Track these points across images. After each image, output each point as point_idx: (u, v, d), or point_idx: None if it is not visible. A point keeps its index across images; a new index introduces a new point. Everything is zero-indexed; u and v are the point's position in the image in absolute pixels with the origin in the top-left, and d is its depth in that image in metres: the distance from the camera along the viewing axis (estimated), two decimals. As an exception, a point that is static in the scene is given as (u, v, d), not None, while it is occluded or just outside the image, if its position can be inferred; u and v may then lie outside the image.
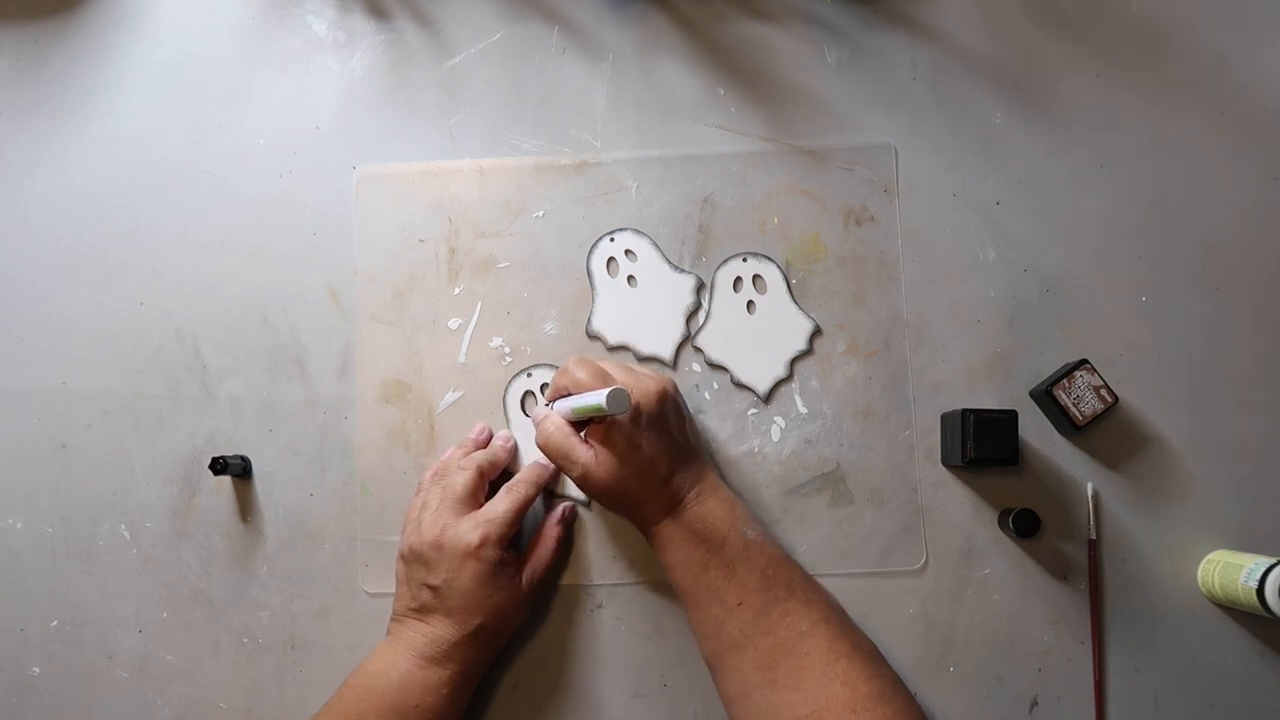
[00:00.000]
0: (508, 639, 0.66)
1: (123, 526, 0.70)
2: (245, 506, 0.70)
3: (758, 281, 0.71)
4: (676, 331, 0.71)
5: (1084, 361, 0.67)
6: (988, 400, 0.69)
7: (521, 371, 0.71)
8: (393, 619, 0.65)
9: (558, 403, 0.65)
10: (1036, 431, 0.69)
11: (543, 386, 0.71)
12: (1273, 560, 0.61)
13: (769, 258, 0.71)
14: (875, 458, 0.69)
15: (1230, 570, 0.64)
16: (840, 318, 0.71)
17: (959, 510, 0.69)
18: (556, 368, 0.71)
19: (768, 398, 0.70)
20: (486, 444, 0.69)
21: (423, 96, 0.74)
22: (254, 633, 0.69)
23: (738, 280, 0.71)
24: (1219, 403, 0.69)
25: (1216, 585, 0.65)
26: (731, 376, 0.70)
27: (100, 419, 0.71)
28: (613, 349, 0.71)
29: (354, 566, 0.70)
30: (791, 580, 0.63)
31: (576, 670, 0.68)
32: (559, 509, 0.68)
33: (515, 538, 0.66)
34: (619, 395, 0.58)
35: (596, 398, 0.58)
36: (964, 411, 0.65)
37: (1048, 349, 0.70)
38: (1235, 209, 0.70)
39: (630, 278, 0.71)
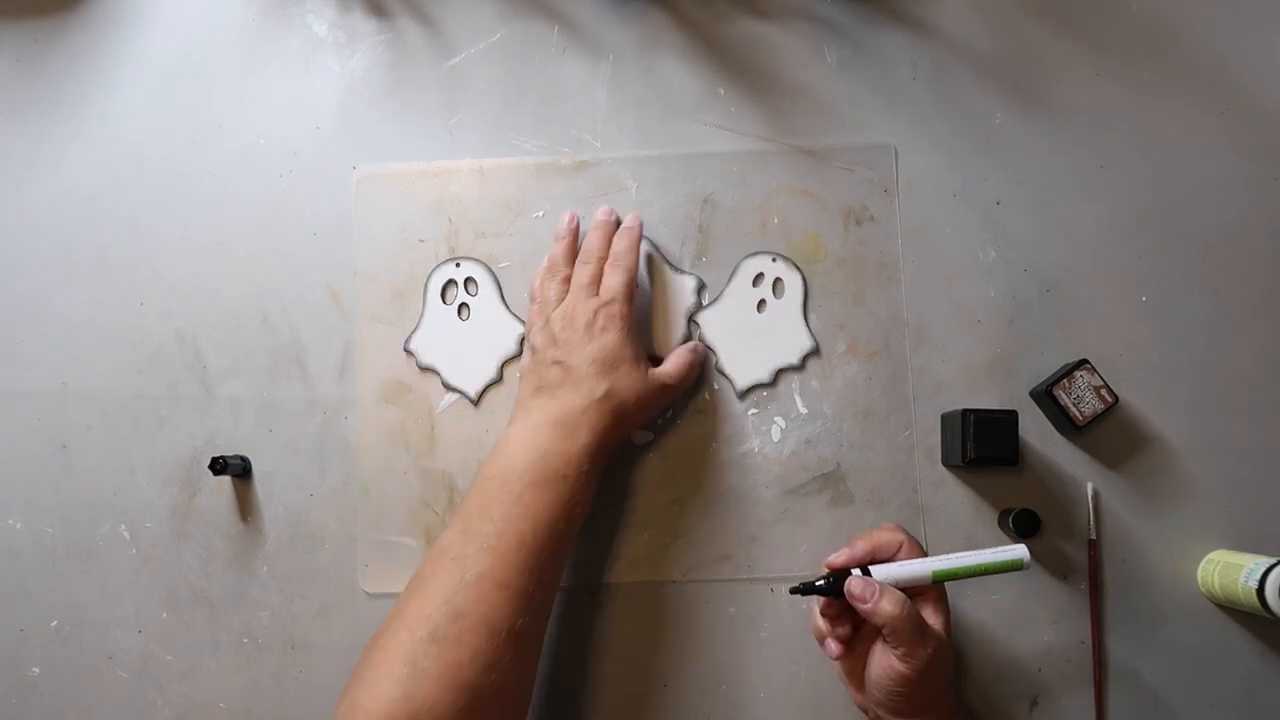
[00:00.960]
0: (637, 421, 0.67)
1: (123, 527, 0.70)
2: (245, 506, 0.70)
3: (777, 285, 0.71)
4: (679, 331, 0.71)
5: (1084, 361, 0.67)
6: (988, 400, 0.69)
7: (449, 260, 0.72)
8: (519, 405, 0.66)
9: (883, 569, 0.59)
10: (1036, 431, 0.69)
11: (468, 281, 0.71)
12: (1273, 560, 0.61)
13: (797, 267, 0.71)
14: (875, 458, 0.69)
15: (1230, 570, 0.64)
16: (840, 318, 0.71)
17: (959, 510, 0.69)
18: (479, 261, 0.72)
19: (743, 395, 0.70)
20: (578, 231, 0.70)
21: (423, 96, 0.74)
22: (254, 633, 0.69)
23: (759, 276, 0.71)
24: (1219, 403, 0.69)
25: (1216, 585, 0.65)
26: (715, 361, 0.70)
27: (100, 419, 0.71)
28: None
29: (354, 566, 0.70)
30: None
31: (576, 670, 0.68)
32: (694, 341, 0.70)
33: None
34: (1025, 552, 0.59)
35: (1016, 555, 0.59)
36: (964, 411, 0.65)
37: (1048, 349, 0.70)
38: (1235, 209, 0.70)
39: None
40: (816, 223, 0.71)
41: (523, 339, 0.71)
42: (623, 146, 0.73)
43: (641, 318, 0.70)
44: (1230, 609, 0.67)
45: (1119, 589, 0.67)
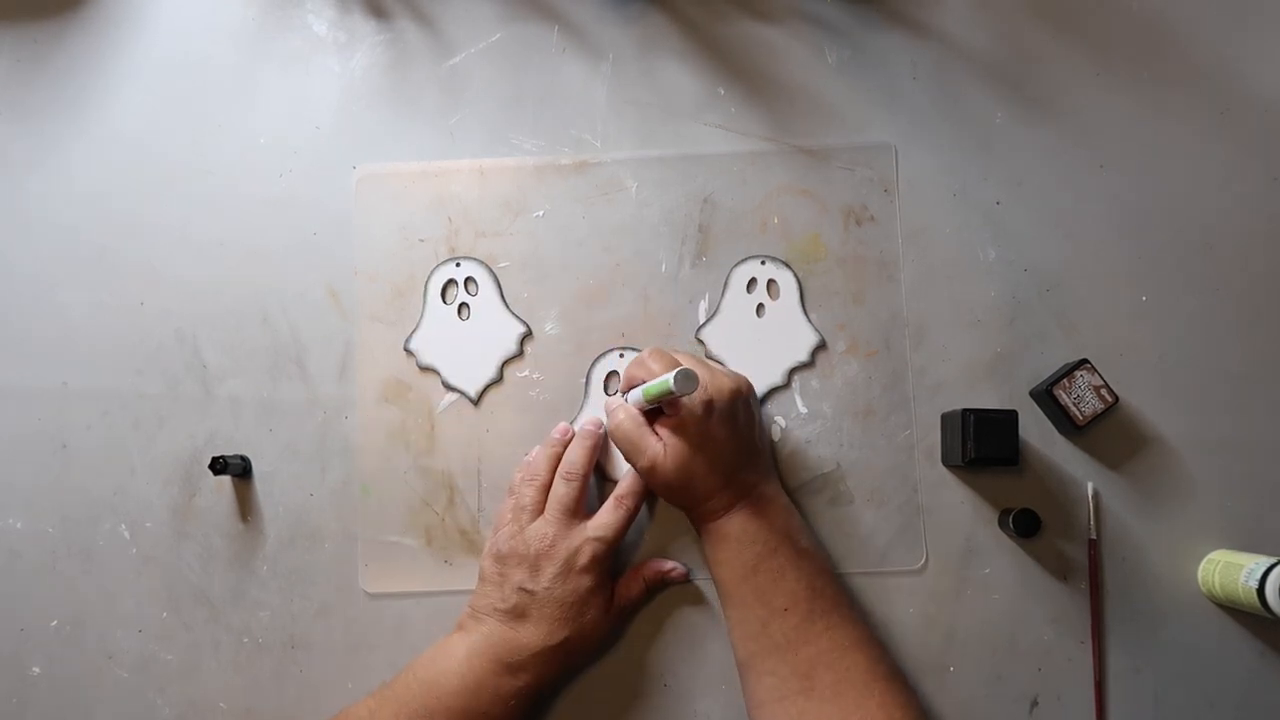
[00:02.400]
0: (586, 662, 0.67)
1: (123, 526, 0.70)
2: (245, 506, 0.70)
3: (771, 286, 0.71)
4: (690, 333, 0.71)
5: (1084, 361, 0.67)
6: (988, 400, 0.69)
7: (449, 260, 0.71)
8: (471, 614, 0.65)
9: (631, 393, 0.65)
10: (1037, 431, 0.69)
11: (468, 280, 0.71)
12: (1273, 560, 0.61)
13: (787, 265, 0.71)
14: (875, 458, 0.69)
15: (1230, 570, 0.64)
16: (840, 318, 0.71)
17: (959, 510, 0.69)
18: (479, 261, 0.71)
19: (761, 402, 0.70)
20: (568, 444, 0.68)
21: (423, 96, 0.74)
22: (254, 633, 0.69)
23: (752, 281, 0.71)
24: (1219, 403, 0.69)
25: (1216, 585, 0.65)
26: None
27: (100, 419, 0.71)
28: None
29: (354, 566, 0.70)
30: (838, 596, 0.63)
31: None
32: (669, 567, 0.67)
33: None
34: (686, 375, 0.58)
35: (665, 378, 0.59)
36: (964, 411, 0.65)
37: (1048, 349, 0.70)
38: (1235, 209, 0.70)
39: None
40: (816, 222, 0.71)
41: (523, 339, 0.71)
42: (623, 146, 0.73)
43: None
44: (1230, 609, 0.67)
45: (1119, 589, 0.67)
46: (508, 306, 0.71)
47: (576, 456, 0.67)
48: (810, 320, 0.70)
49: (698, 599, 0.68)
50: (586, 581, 0.63)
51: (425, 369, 0.71)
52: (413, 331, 0.71)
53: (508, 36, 0.74)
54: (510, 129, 0.73)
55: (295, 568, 0.70)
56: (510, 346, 0.71)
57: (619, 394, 0.67)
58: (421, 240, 0.72)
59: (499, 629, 0.63)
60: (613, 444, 0.68)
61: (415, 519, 0.70)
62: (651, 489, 0.65)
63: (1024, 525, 0.65)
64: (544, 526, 0.64)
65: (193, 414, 0.71)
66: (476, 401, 0.71)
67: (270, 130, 0.73)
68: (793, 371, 0.70)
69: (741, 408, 0.64)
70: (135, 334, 0.72)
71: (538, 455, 0.68)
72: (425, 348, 0.71)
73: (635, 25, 0.74)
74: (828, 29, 0.73)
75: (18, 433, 0.72)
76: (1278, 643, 0.67)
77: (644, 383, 0.63)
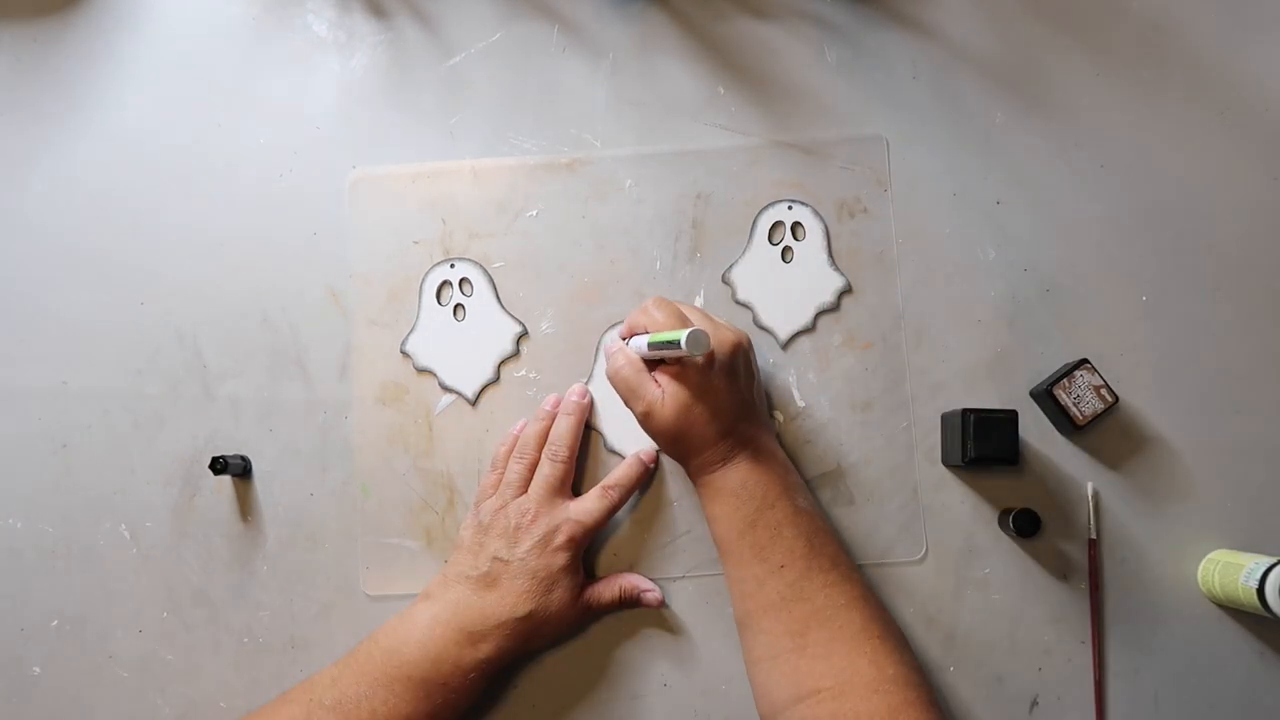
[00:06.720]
0: (545, 644, 0.67)
1: (123, 526, 0.71)
2: (245, 506, 0.70)
3: (798, 230, 0.71)
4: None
5: (1084, 361, 0.66)
6: (988, 400, 0.69)
7: (443, 261, 0.72)
8: (441, 581, 0.65)
9: (633, 339, 0.65)
10: (1037, 431, 0.69)
11: (462, 281, 0.71)
12: (1273, 560, 0.61)
13: (812, 208, 0.71)
14: (875, 457, 0.69)
15: (1230, 570, 0.64)
16: (836, 310, 0.71)
17: (959, 510, 0.69)
18: (473, 262, 0.71)
19: (785, 345, 0.70)
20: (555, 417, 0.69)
21: (422, 97, 0.74)
22: (254, 633, 0.69)
23: (778, 225, 0.71)
24: (1219, 403, 0.69)
25: (1216, 585, 0.65)
26: (754, 317, 0.71)
27: (100, 419, 0.71)
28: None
29: (354, 567, 0.70)
30: (836, 554, 0.63)
31: (577, 670, 0.68)
32: (647, 588, 0.67)
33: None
34: (699, 336, 0.58)
35: (676, 335, 0.59)
36: (964, 411, 0.65)
37: (1048, 349, 0.70)
38: (1235, 209, 0.70)
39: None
40: (815, 221, 0.71)
41: (519, 338, 0.71)
42: (623, 146, 0.73)
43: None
44: (1230, 609, 0.67)
45: (1119, 589, 0.67)
46: (503, 306, 0.71)
47: (562, 434, 0.67)
48: (835, 264, 0.71)
49: (698, 599, 0.68)
50: (560, 560, 0.64)
51: (422, 371, 0.71)
52: (409, 333, 0.71)
53: (508, 36, 0.74)
54: (510, 129, 0.73)
55: (295, 568, 0.70)
56: (506, 346, 0.71)
57: (621, 338, 0.67)
58: (415, 242, 0.72)
59: (467, 596, 0.64)
60: (597, 408, 0.69)
61: (415, 520, 0.70)
62: (648, 435, 0.65)
63: (1024, 525, 0.65)
64: (527, 502, 0.65)
65: (193, 414, 0.71)
66: (474, 402, 0.71)
67: (270, 130, 0.74)
68: (819, 315, 0.70)
69: (742, 362, 0.64)
70: (135, 334, 0.72)
71: (528, 432, 0.68)
72: (421, 349, 0.71)
73: (635, 25, 0.74)
74: (828, 28, 0.73)
75: (18, 433, 0.72)
76: (1278, 643, 0.66)
77: (645, 330, 0.64)
